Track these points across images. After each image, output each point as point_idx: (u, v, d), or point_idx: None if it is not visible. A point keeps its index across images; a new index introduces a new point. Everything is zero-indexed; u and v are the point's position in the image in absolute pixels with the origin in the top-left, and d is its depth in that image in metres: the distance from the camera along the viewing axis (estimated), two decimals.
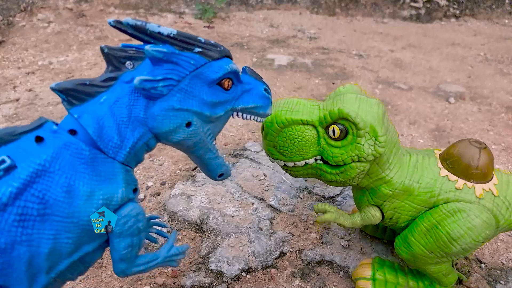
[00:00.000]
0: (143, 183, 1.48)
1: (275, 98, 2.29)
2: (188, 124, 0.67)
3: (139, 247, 0.70)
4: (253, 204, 1.36)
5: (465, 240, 0.84)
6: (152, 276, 1.07)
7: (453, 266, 1.05)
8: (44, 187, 0.57)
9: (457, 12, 4.56)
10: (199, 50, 0.66)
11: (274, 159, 0.89)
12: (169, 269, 1.09)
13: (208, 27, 3.86)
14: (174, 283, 1.05)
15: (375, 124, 0.81)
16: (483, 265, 1.14)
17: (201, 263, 1.11)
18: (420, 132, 1.95)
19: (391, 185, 0.90)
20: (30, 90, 2.32)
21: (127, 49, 0.67)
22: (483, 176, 0.89)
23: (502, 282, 1.09)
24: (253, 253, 1.15)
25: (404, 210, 0.92)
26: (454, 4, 4.56)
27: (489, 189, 0.88)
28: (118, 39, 3.33)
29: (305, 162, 0.87)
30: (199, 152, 0.73)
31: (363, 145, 0.81)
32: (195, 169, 1.57)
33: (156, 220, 0.95)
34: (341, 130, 0.82)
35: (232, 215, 1.30)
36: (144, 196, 1.40)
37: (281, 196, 1.40)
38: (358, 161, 0.83)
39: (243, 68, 0.79)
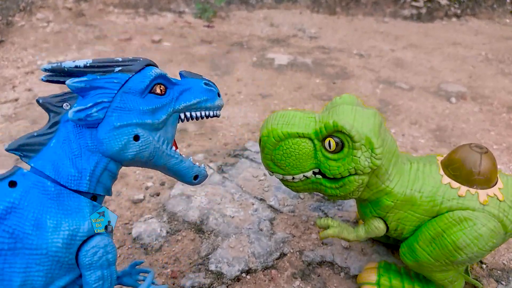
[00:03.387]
0: (143, 183, 1.48)
1: (275, 99, 2.29)
2: (136, 138, 0.70)
3: (111, 282, 0.71)
4: (253, 204, 1.36)
5: (471, 249, 0.82)
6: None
7: (467, 273, 1.04)
8: (14, 222, 0.62)
9: (458, 11, 4.54)
10: (119, 68, 0.70)
11: (273, 173, 0.89)
12: (168, 270, 1.09)
13: (208, 26, 3.85)
14: (173, 284, 1.04)
15: (371, 136, 0.79)
16: (484, 266, 1.14)
17: (201, 264, 1.11)
18: (421, 132, 1.95)
19: (393, 196, 0.88)
20: (29, 90, 2.31)
21: (60, 94, 0.72)
22: (487, 181, 0.87)
23: (503, 282, 1.08)
24: (253, 254, 1.14)
25: (408, 221, 0.90)
26: (455, 3, 4.55)
27: (494, 194, 0.86)
28: (117, 39, 3.33)
29: (303, 175, 0.86)
30: (161, 161, 0.75)
31: (359, 157, 0.80)
32: None
33: (141, 265, 0.96)
34: (337, 143, 0.81)
35: (232, 215, 1.30)
36: (144, 197, 1.40)
37: (282, 197, 1.39)
38: (356, 174, 0.82)
39: (179, 72, 0.81)
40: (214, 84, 0.81)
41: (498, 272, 1.12)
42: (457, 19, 4.50)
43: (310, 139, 0.83)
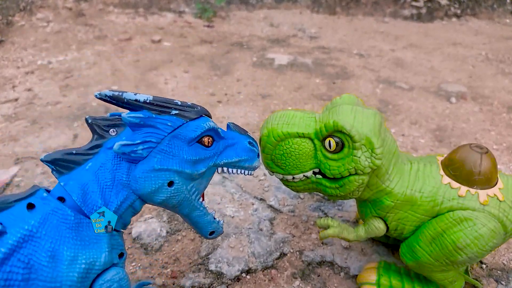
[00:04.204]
0: None
1: (275, 99, 2.28)
2: (170, 184, 0.69)
3: None
4: (253, 204, 1.36)
5: (471, 250, 0.82)
6: (151, 277, 1.06)
7: (467, 273, 1.04)
8: (30, 252, 0.60)
9: (458, 11, 4.54)
10: (176, 112, 0.70)
11: (273, 173, 0.89)
12: (168, 270, 1.09)
13: (207, 26, 3.85)
14: (173, 284, 1.04)
15: (371, 136, 0.79)
16: (484, 266, 1.14)
17: (200, 264, 1.11)
18: (422, 132, 1.95)
19: (393, 196, 0.88)
20: (29, 90, 2.31)
21: (110, 117, 0.72)
22: (487, 181, 0.87)
23: (503, 282, 1.08)
24: (253, 254, 1.14)
25: (408, 221, 0.90)
26: (455, 3, 4.55)
27: (494, 194, 0.86)
28: (117, 39, 3.32)
29: (303, 175, 0.86)
30: (186, 210, 0.75)
31: (359, 157, 0.80)
32: None
33: (149, 286, 0.96)
34: (337, 143, 0.81)
35: (232, 215, 1.30)
36: None
37: (281, 197, 1.39)
38: (356, 173, 0.82)
39: (227, 124, 0.81)
40: (257, 144, 0.82)
41: (498, 272, 1.12)
42: (457, 19, 4.50)
43: (310, 139, 0.83)
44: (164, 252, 1.15)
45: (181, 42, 3.36)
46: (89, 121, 0.70)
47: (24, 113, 2.03)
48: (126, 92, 0.67)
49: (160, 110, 0.68)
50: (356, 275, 1.08)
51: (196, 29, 3.75)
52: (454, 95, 2.42)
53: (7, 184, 1.45)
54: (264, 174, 1.51)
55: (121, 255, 0.72)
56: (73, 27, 3.54)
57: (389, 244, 1.18)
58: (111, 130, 0.70)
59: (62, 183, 0.67)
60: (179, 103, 0.70)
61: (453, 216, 0.85)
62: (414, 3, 4.50)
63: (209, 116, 0.76)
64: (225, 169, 0.78)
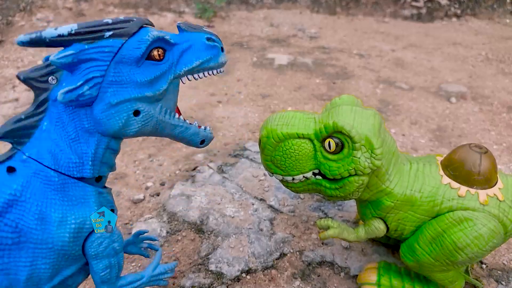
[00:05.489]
0: (143, 183, 1.48)
1: (275, 99, 2.29)
2: (136, 113, 0.63)
3: (118, 268, 0.70)
4: (253, 204, 1.36)
5: (471, 250, 0.82)
6: None
7: (467, 273, 1.04)
8: (17, 216, 0.59)
9: (458, 11, 4.54)
10: (110, 33, 0.60)
11: (273, 174, 0.88)
12: None
13: (208, 26, 3.85)
14: (173, 284, 1.04)
15: (370, 136, 0.79)
16: (484, 266, 1.14)
17: (200, 264, 1.11)
18: (422, 132, 1.95)
19: (393, 196, 0.88)
20: (29, 90, 2.31)
21: (43, 65, 0.63)
22: (486, 181, 0.87)
23: (503, 282, 1.08)
24: (253, 254, 1.14)
25: (408, 221, 0.90)
26: (455, 3, 4.55)
27: (494, 194, 0.86)
28: None
29: (303, 176, 0.86)
30: (166, 131, 0.70)
31: (359, 158, 0.80)
32: (194, 169, 1.56)
33: (145, 234, 0.94)
34: (336, 144, 0.81)
35: (232, 215, 1.30)
36: (144, 197, 1.40)
37: (282, 197, 1.39)
38: (356, 174, 0.82)
39: (177, 25, 0.70)
40: (217, 37, 0.71)
41: (498, 272, 1.12)
42: (457, 19, 4.50)
43: (310, 139, 0.83)
44: (164, 252, 1.15)
45: None
46: (21, 77, 0.60)
47: None
48: (45, 29, 0.57)
49: (92, 37, 0.58)
50: (356, 275, 1.08)
51: None
52: (454, 95, 2.42)
53: None
54: (264, 174, 1.51)
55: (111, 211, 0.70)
56: None
57: (390, 244, 1.18)
58: (49, 78, 0.61)
59: (27, 154, 0.62)
60: (110, 21, 0.60)
61: (453, 216, 0.85)
62: (414, 3, 4.50)
63: (151, 25, 0.66)
64: (190, 76, 0.68)
